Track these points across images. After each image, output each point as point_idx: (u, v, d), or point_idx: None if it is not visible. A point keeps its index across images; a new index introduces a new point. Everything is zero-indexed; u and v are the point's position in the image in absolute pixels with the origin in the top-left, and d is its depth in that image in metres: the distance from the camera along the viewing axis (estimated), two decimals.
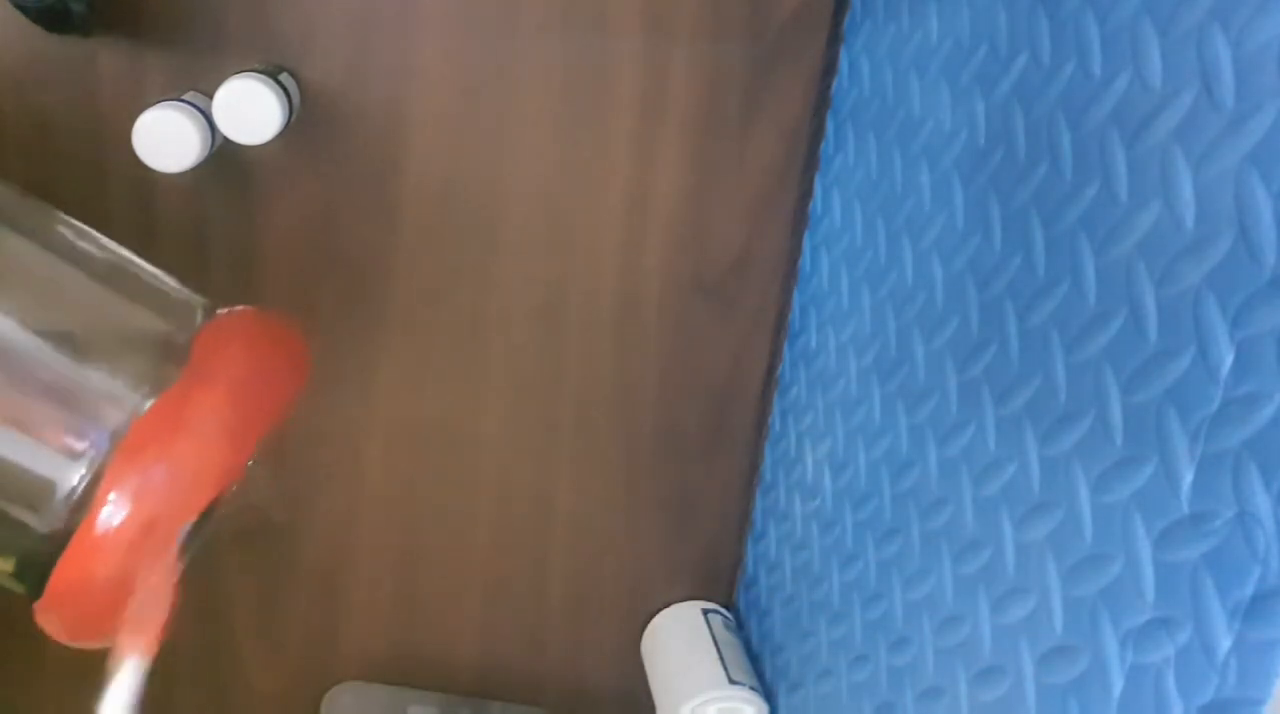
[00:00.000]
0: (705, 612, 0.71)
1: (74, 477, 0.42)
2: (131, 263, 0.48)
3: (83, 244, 0.48)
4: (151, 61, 0.60)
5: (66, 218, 0.48)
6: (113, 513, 0.41)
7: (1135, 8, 0.38)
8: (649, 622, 0.73)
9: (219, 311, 0.48)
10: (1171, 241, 0.35)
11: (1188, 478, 0.33)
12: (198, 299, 0.48)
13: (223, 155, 0.62)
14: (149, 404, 0.43)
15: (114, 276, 0.48)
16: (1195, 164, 0.34)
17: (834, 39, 0.63)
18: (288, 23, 0.60)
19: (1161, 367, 0.34)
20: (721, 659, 0.66)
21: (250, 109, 0.56)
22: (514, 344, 0.67)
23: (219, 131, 0.57)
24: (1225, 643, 0.31)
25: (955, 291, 0.48)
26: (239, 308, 0.49)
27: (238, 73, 0.57)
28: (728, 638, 0.69)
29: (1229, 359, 0.32)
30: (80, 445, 0.42)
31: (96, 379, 0.43)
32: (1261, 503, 0.30)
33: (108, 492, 0.41)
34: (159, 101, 0.56)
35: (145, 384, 0.43)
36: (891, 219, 0.55)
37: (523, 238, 0.65)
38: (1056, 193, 0.41)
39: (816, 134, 0.65)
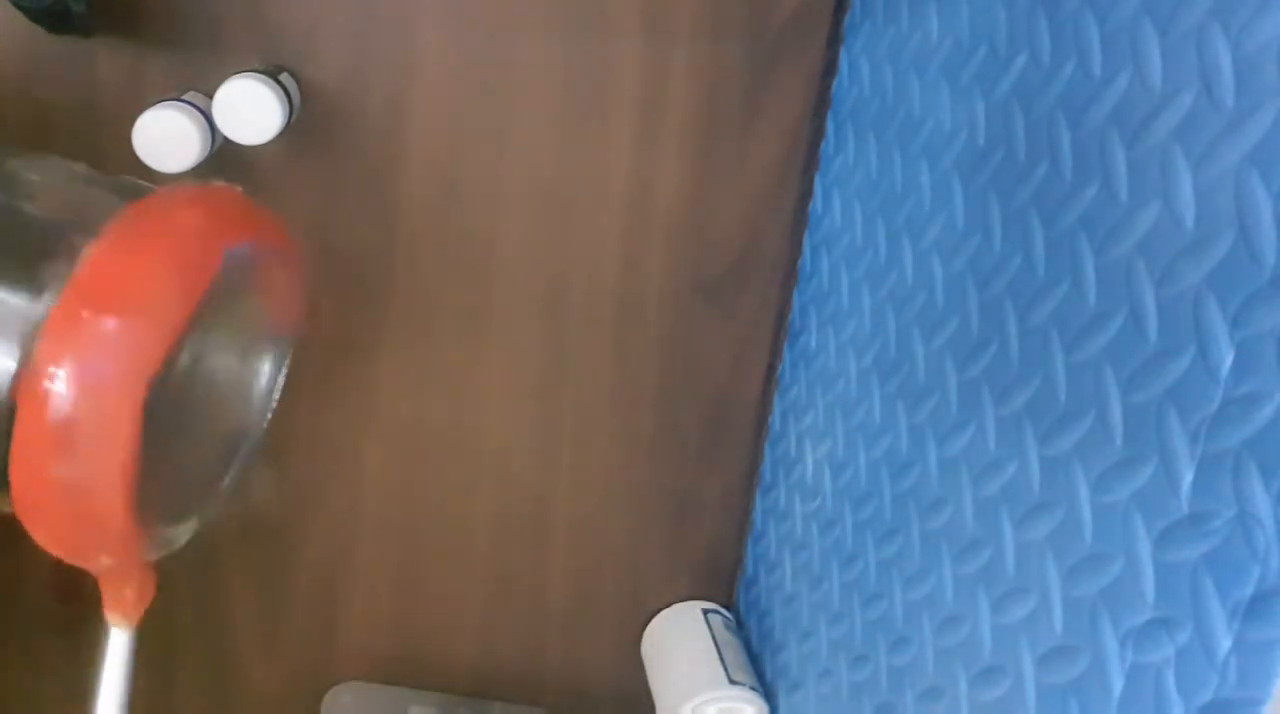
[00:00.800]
0: (705, 612, 0.71)
1: (10, 353, 0.40)
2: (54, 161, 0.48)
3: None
4: (151, 61, 0.60)
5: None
6: (58, 389, 0.39)
7: (1135, 8, 0.38)
8: (649, 622, 0.73)
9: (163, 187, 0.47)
10: (1171, 241, 0.35)
11: (1188, 478, 0.33)
12: (139, 183, 0.47)
13: (223, 155, 0.62)
14: (83, 263, 0.41)
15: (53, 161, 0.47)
16: (1195, 164, 0.34)
17: (834, 39, 0.63)
18: (288, 23, 0.60)
19: (1161, 366, 0.34)
20: (721, 659, 0.66)
21: (250, 109, 0.56)
22: (514, 343, 0.67)
23: (219, 131, 0.57)
24: (1225, 643, 0.31)
25: (955, 291, 0.48)
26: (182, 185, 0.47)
27: (238, 73, 0.57)
28: (728, 638, 0.69)
29: (1229, 359, 0.32)
30: (11, 316, 0.40)
31: (31, 236, 0.42)
32: (1261, 503, 0.30)
33: (47, 359, 0.39)
34: (159, 101, 0.56)
35: (82, 243, 0.42)
36: (891, 219, 0.55)
37: (522, 237, 0.65)
38: (1056, 193, 0.41)
39: (816, 134, 0.65)
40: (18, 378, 0.40)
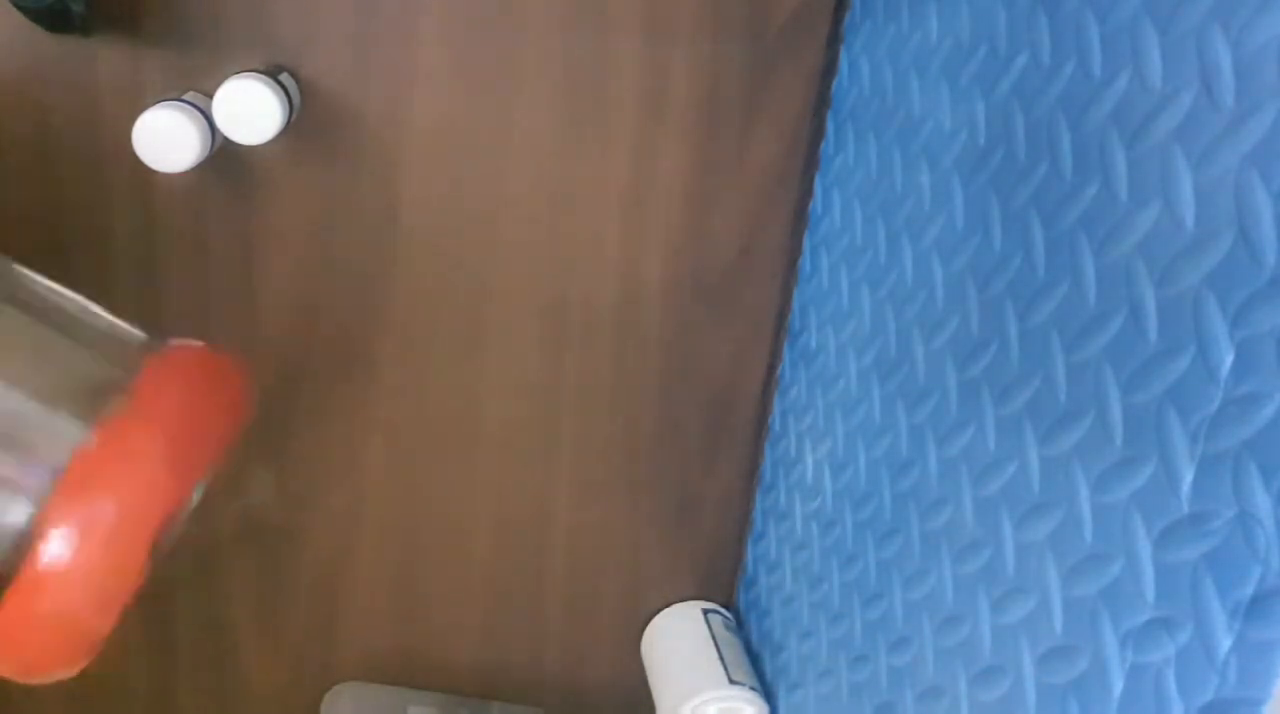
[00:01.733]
0: (705, 612, 0.71)
1: (19, 516, 0.43)
2: (72, 302, 0.49)
3: (20, 286, 0.49)
4: (151, 61, 0.60)
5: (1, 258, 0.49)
6: (57, 548, 0.42)
7: (1135, 8, 0.38)
8: (649, 622, 0.73)
9: (163, 346, 0.49)
10: (1171, 241, 0.35)
11: (1188, 478, 0.33)
12: (139, 336, 0.49)
13: (223, 155, 0.62)
14: (90, 441, 0.44)
15: (52, 317, 0.48)
16: (1195, 164, 0.34)
17: (834, 39, 0.63)
18: (288, 23, 0.60)
19: (1161, 366, 0.34)
20: (721, 659, 0.66)
21: (250, 109, 0.56)
22: (514, 343, 0.67)
23: (219, 131, 0.57)
24: (1225, 643, 0.31)
25: (955, 291, 0.48)
26: (184, 343, 0.50)
27: (238, 73, 0.57)
28: (728, 638, 0.69)
29: (1229, 359, 0.32)
30: (24, 484, 0.43)
31: (36, 418, 0.44)
32: (1261, 503, 0.30)
33: (50, 528, 0.42)
34: (159, 101, 0.56)
35: (86, 422, 0.44)
36: (891, 219, 0.55)
37: (522, 237, 0.65)
38: (1056, 193, 0.41)
39: (816, 134, 0.65)
40: (29, 527, 0.43)
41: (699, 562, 0.72)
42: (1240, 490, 0.31)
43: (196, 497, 0.48)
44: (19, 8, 0.54)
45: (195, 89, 0.60)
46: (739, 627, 0.71)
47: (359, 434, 0.69)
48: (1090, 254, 0.39)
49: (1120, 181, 0.37)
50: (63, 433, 0.44)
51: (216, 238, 0.64)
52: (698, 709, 0.64)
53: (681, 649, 0.69)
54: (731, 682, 0.64)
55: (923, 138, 0.53)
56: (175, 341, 0.50)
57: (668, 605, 0.72)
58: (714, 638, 0.68)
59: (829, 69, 0.64)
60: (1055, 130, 0.42)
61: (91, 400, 0.45)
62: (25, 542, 0.42)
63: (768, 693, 0.65)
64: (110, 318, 0.50)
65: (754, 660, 0.68)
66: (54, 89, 0.61)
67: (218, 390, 0.49)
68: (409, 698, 0.74)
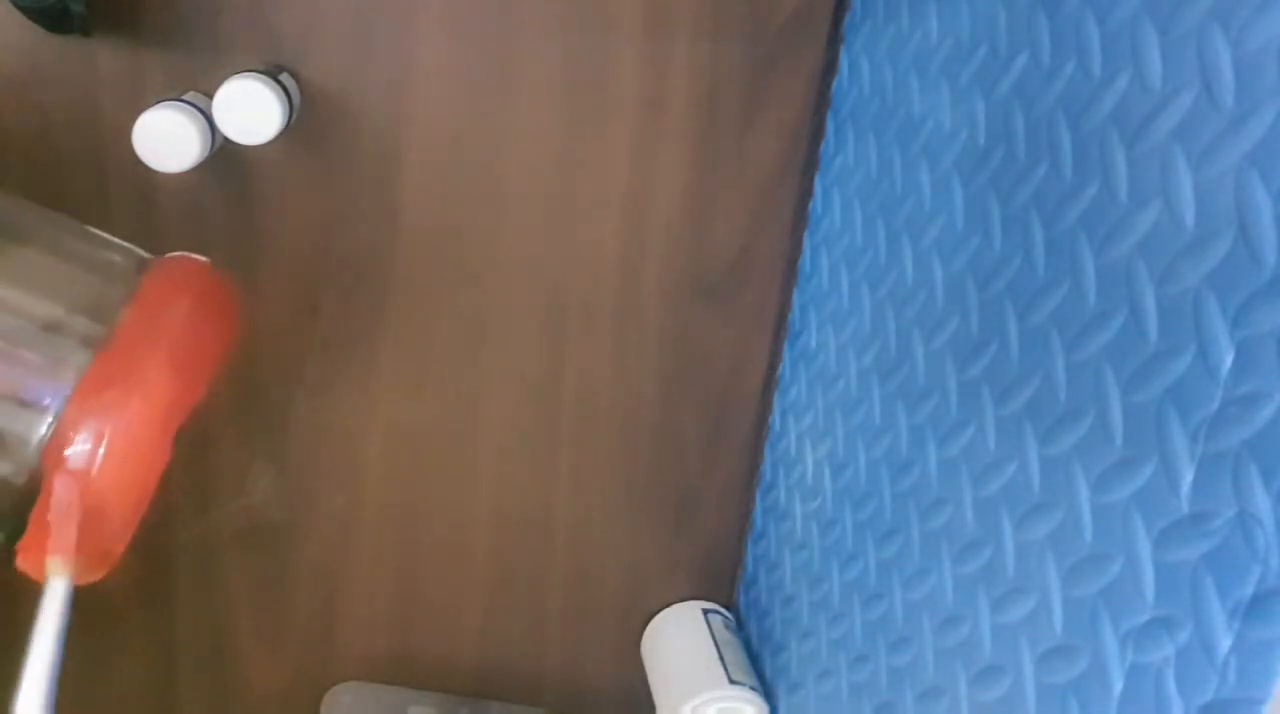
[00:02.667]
0: (705, 612, 0.71)
1: (41, 426, 0.46)
2: (71, 224, 0.52)
3: (20, 212, 0.52)
4: (151, 61, 0.60)
5: None
6: (80, 450, 0.45)
7: (1135, 8, 0.38)
8: (649, 622, 0.73)
9: (156, 259, 0.52)
10: (1171, 241, 0.35)
11: (1188, 478, 0.33)
12: (139, 253, 0.52)
13: (223, 155, 0.62)
14: (101, 350, 0.47)
15: (54, 239, 0.52)
16: (1195, 164, 0.34)
17: (834, 39, 0.63)
18: (288, 23, 0.60)
19: (1161, 366, 0.34)
20: (721, 659, 0.66)
21: (250, 109, 0.56)
22: (513, 343, 0.67)
23: (219, 131, 0.57)
24: (1225, 643, 0.31)
25: (955, 291, 0.48)
26: (180, 255, 0.53)
27: (238, 73, 0.57)
28: (728, 638, 0.69)
29: (1229, 359, 0.32)
30: (43, 396, 0.46)
31: (48, 334, 0.47)
32: (1261, 503, 0.30)
33: (71, 431, 0.45)
34: (159, 101, 0.56)
35: (96, 334, 0.48)
36: (891, 219, 0.55)
37: (522, 237, 0.65)
38: (1056, 193, 0.41)
39: (816, 134, 0.65)
40: (47, 442, 0.46)
41: (699, 562, 0.72)
42: (1240, 490, 0.31)
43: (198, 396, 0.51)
44: (19, 8, 0.54)
45: (195, 89, 0.60)
46: (739, 627, 0.71)
47: (359, 434, 0.69)
48: (1090, 254, 0.39)
49: (1120, 181, 0.37)
50: (75, 345, 0.47)
51: (216, 238, 0.64)
52: (698, 709, 0.64)
53: (681, 649, 0.69)
54: (731, 682, 0.64)
55: (923, 138, 0.53)
56: (172, 255, 0.53)
57: (668, 605, 0.72)
58: (714, 638, 0.68)
59: (829, 69, 0.64)
60: (1055, 130, 0.42)
61: (100, 312, 0.49)
62: (49, 449, 0.45)
63: (768, 693, 0.65)
64: (109, 237, 0.53)
65: (754, 660, 0.68)
66: (54, 89, 0.61)
67: (213, 299, 0.53)
68: (409, 698, 0.74)
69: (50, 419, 0.46)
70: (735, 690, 0.64)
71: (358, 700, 0.73)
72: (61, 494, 0.45)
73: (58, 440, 0.45)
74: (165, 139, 0.55)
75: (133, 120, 0.55)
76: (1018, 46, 0.45)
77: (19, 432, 0.46)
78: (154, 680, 0.75)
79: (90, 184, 0.63)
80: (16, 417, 0.46)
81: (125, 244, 0.53)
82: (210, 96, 0.56)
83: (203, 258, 0.54)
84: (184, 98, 0.57)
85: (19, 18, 0.55)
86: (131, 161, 0.56)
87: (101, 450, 0.46)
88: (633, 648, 0.74)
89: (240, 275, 0.65)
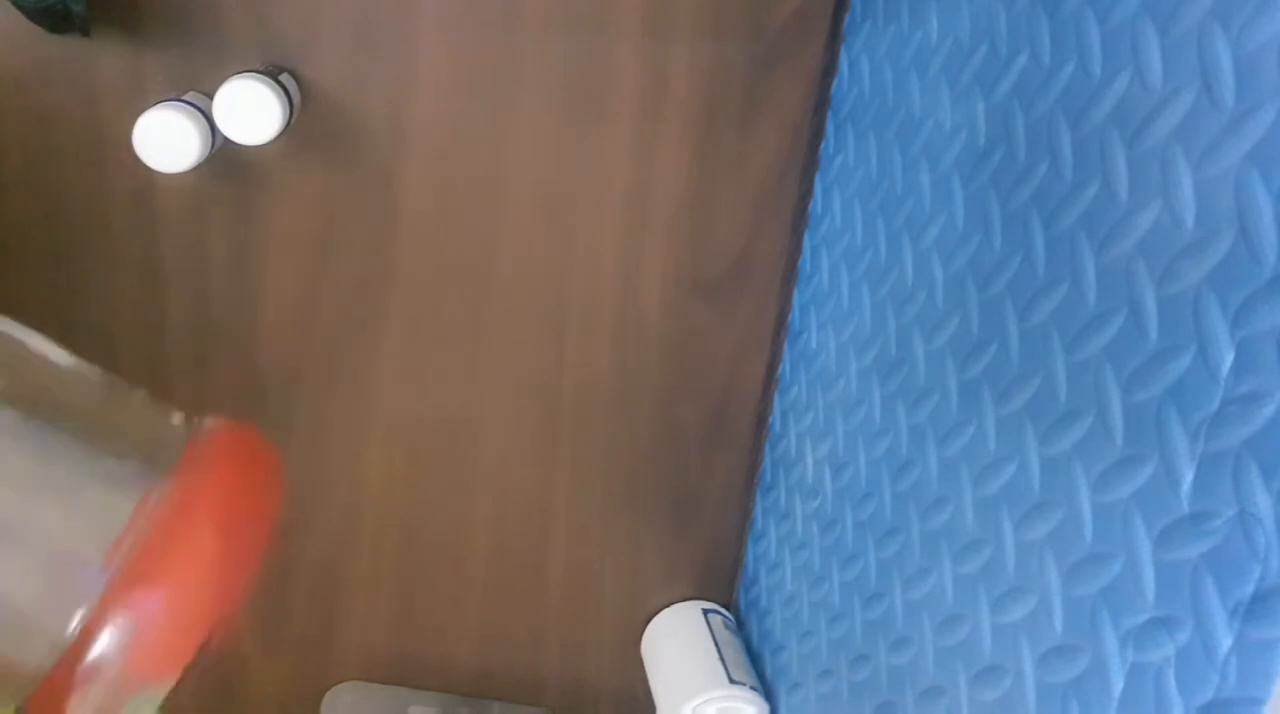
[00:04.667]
0: (705, 612, 0.71)
1: (72, 621, 0.42)
2: (98, 383, 0.48)
3: (39, 372, 0.48)
4: (151, 61, 0.60)
5: (23, 340, 0.48)
6: (105, 649, 0.42)
7: (1135, 8, 0.38)
8: (649, 622, 0.73)
9: (195, 426, 0.48)
10: (1171, 241, 0.35)
11: (1188, 477, 0.33)
12: (174, 417, 0.48)
13: (223, 155, 0.62)
14: (136, 537, 0.43)
15: (80, 405, 0.48)
16: (1195, 164, 0.34)
17: (834, 39, 0.63)
18: (288, 23, 0.60)
19: (1162, 366, 0.34)
20: (722, 659, 0.66)
21: (250, 109, 0.56)
22: (513, 343, 0.67)
23: (219, 131, 0.57)
24: (1225, 642, 0.31)
25: (955, 291, 0.48)
26: (213, 424, 0.49)
27: (238, 73, 0.57)
28: (728, 638, 0.69)
29: (1229, 358, 0.32)
30: (75, 589, 0.42)
31: (81, 521, 0.44)
32: (1262, 502, 0.30)
33: (99, 628, 0.41)
34: (159, 102, 0.56)
35: (130, 515, 0.44)
36: (891, 219, 0.55)
37: (522, 237, 0.65)
38: (1056, 193, 0.41)
39: (816, 134, 0.65)
40: (77, 636, 0.42)
41: (699, 562, 0.72)
42: (1240, 490, 0.31)
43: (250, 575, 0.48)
44: (19, 8, 0.54)
45: (195, 89, 0.60)
46: (739, 627, 0.71)
47: (359, 434, 0.69)
48: (1090, 254, 0.39)
49: (1120, 181, 0.38)
50: (110, 530, 0.43)
51: (217, 238, 0.64)
52: (698, 709, 0.64)
53: (681, 649, 0.69)
54: (732, 681, 0.64)
55: (923, 138, 0.53)
56: (212, 422, 0.49)
57: (668, 605, 0.72)
58: (714, 638, 0.68)
59: (829, 69, 0.64)
60: (1055, 130, 0.42)
61: (134, 488, 0.45)
62: (77, 643, 0.42)
63: (768, 693, 0.65)
64: (142, 398, 0.49)
65: (754, 660, 0.68)
66: (54, 89, 0.61)
67: (259, 475, 0.49)
68: (409, 698, 0.74)
69: (83, 612, 0.42)
70: (735, 690, 0.64)
71: (358, 700, 0.73)
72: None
73: (86, 634, 0.42)
74: (165, 139, 0.55)
75: (133, 120, 0.55)
76: (1018, 46, 0.45)
77: (45, 624, 0.42)
78: None
79: (90, 184, 0.63)
80: (45, 608, 0.42)
81: (161, 407, 0.49)
82: (210, 96, 0.56)
83: (246, 427, 0.50)
84: (184, 98, 0.57)
85: (19, 18, 0.55)
86: (131, 161, 0.56)
87: (127, 649, 0.42)
88: (633, 648, 0.74)
89: (240, 275, 0.65)
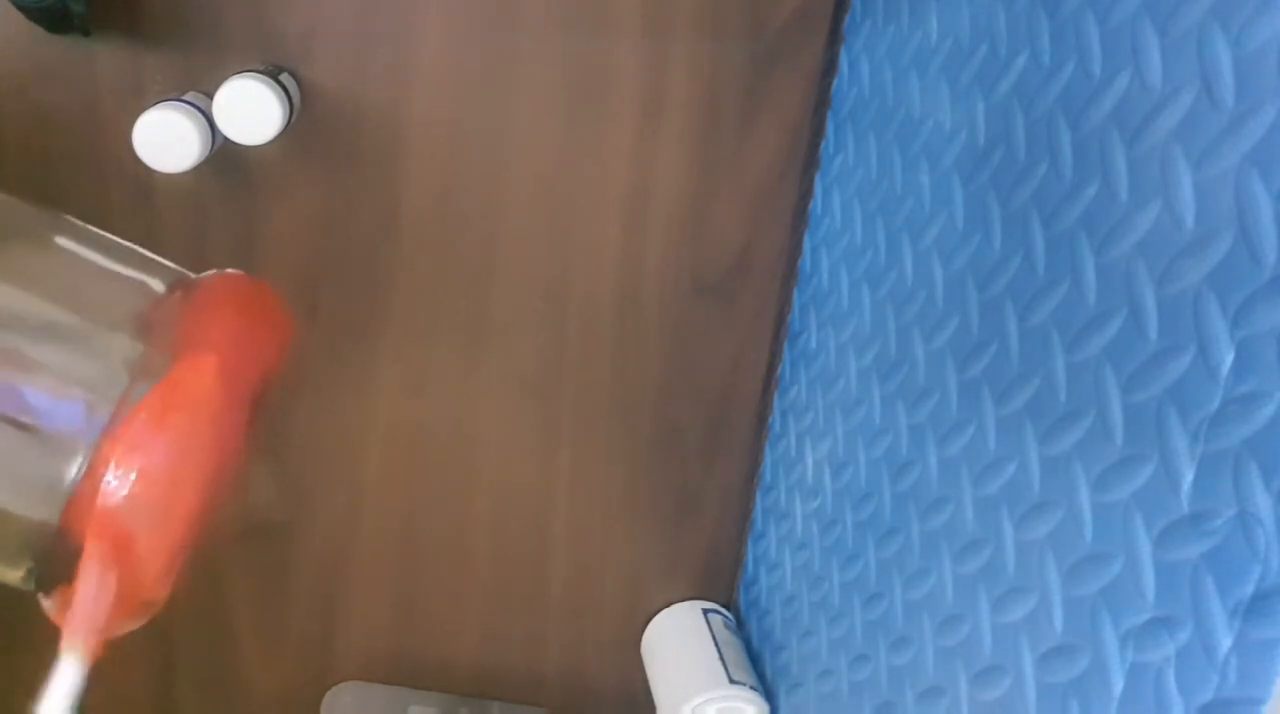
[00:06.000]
0: (705, 612, 0.71)
1: (72, 466, 0.41)
2: (102, 239, 0.48)
3: (50, 230, 0.47)
4: (151, 62, 0.60)
5: (27, 204, 0.48)
6: (113, 485, 0.40)
7: (1135, 8, 0.38)
8: (649, 621, 0.73)
9: (198, 277, 0.48)
10: (1171, 241, 0.35)
11: (1188, 477, 0.33)
12: (173, 269, 0.48)
13: (223, 155, 0.62)
14: (136, 381, 0.42)
15: (82, 257, 0.47)
16: (1195, 164, 0.34)
17: (834, 39, 0.63)
18: (288, 23, 0.60)
19: (1161, 366, 0.34)
20: (722, 659, 0.66)
21: (250, 109, 0.56)
22: (513, 343, 0.67)
23: (219, 131, 0.57)
24: (1226, 642, 0.31)
25: (955, 291, 0.48)
26: (217, 273, 0.48)
27: (238, 73, 0.57)
28: (728, 638, 0.69)
29: (1229, 358, 0.32)
30: (74, 433, 0.41)
31: (82, 363, 0.43)
32: (1262, 502, 0.30)
33: (104, 468, 0.40)
34: (159, 102, 0.56)
35: (131, 360, 0.43)
36: (891, 219, 0.55)
37: (522, 237, 0.65)
38: (1056, 193, 0.41)
39: (816, 134, 0.65)
40: (78, 484, 0.41)
41: (699, 562, 0.72)
42: (1240, 490, 0.31)
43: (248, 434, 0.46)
44: (19, 8, 0.54)
45: (195, 89, 0.60)
46: (739, 627, 0.71)
47: (359, 434, 0.69)
48: (1090, 254, 0.39)
49: (1120, 181, 0.38)
50: (110, 372, 0.42)
51: (216, 238, 0.64)
52: (698, 709, 0.64)
53: (681, 649, 0.69)
54: (732, 681, 0.64)
55: (923, 138, 0.53)
56: (216, 272, 0.48)
57: (668, 605, 0.72)
58: (714, 638, 0.68)
59: (829, 69, 0.64)
60: (1055, 130, 0.42)
61: (133, 337, 0.44)
62: (80, 492, 0.41)
63: (768, 692, 0.65)
64: (145, 253, 0.48)
65: (754, 660, 0.68)
66: (54, 89, 0.61)
67: (259, 318, 0.48)
68: (409, 698, 0.74)
69: (81, 458, 0.41)
70: (735, 690, 0.64)
71: (358, 700, 0.73)
72: (90, 575, 0.41)
73: (90, 481, 0.41)
74: (165, 139, 0.55)
75: (133, 120, 0.55)
76: (1018, 46, 0.45)
77: (49, 472, 0.41)
78: (154, 680, 0.75)
79: (90, 184, 0.63)
80: (46, 453, 0.41)
81: (163, 261, 0.48)
82: (210, 96, 0.56)
83: (244, 273, 0.50)
84: (184, 98, 0.57)
85: (19, 18, 0.55)
86: (131, 161, 0.56)
87: (134, 492, 0.41)
88: (633, 648, 0.74)
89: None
